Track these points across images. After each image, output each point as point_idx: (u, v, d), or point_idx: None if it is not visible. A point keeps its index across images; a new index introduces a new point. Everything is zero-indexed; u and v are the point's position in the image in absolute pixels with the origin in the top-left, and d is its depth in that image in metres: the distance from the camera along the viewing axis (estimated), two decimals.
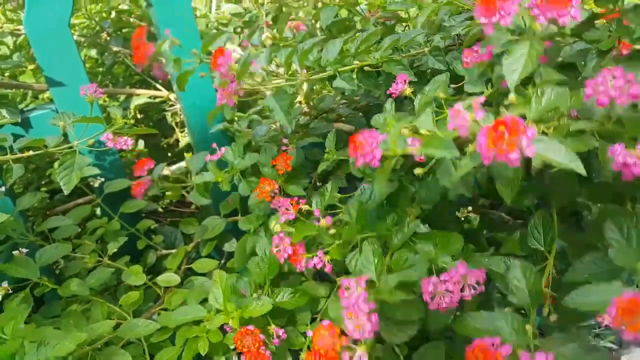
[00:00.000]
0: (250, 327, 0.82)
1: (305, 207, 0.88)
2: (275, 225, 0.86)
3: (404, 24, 1.13)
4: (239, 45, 1.47)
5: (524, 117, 0.61)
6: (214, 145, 1.19)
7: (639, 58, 0.81)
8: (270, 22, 1.53)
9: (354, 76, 0.93)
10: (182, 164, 1.46)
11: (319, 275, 1.05)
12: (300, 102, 1.39)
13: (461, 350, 0.92)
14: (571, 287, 0.71)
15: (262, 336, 0.82)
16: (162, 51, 1.02)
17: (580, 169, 0.54)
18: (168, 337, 0.93)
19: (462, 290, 0.72)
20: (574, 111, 0.65)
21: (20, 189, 1.44)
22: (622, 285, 0.61)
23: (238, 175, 1.15)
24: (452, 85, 0.84)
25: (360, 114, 1.30)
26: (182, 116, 1.50)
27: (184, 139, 1.59)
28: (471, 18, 0.87)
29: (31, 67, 1.62)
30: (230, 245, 1.26)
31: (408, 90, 0.84)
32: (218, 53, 0.89)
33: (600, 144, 0.60)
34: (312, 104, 1.25)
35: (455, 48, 0.92)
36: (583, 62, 0.89)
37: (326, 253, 0.82)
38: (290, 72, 0.95)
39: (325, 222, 0.81)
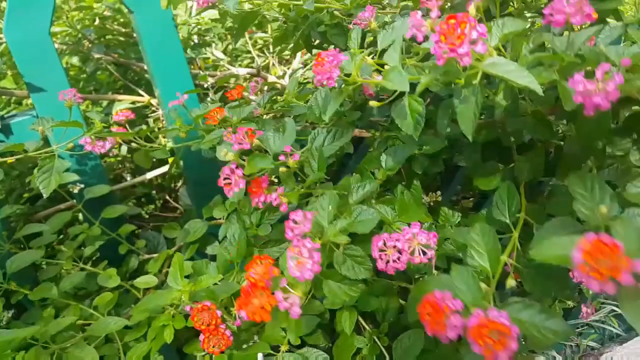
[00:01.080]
0: (207, 303, 0.81)
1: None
2: (226, 153, 0.79)
3: None
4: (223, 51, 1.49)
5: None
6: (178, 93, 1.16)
7: None
8: (252, 30, 1.54)
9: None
10: (164, 168, 1.46)
11: None
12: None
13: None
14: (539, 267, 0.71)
15: (219, 312, 0.81)
16: None
17: (537, 88, 0.54)
18: (142, 335, 0.93)
19: (412, 253, 0.71)
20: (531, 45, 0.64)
21: (3, 195, 1.44)
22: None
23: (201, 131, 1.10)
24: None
25: None
26: (164, 122, 1.50)
27: (168, 144, 1.59)
28: None
29: (11, 73, 1.62)
30: (212, 248, 1.25)
31: (374, 24, 0.84)
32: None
33: (560, 77, 0.60)
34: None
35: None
36: None
37: (284, 196, 0.79)
38: None
39: (293, 160, 0.78)
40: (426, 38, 0.59)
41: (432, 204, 1.03)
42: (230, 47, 1.82)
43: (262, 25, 1.76)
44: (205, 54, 1.68)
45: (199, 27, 1.79)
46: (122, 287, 1.11)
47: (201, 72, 1.69)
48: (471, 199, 1.62)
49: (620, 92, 0.53)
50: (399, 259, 0.70)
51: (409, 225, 0.74)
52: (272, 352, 0.92)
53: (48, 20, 1.21)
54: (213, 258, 1.24)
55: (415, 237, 0.70)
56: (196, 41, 1.84)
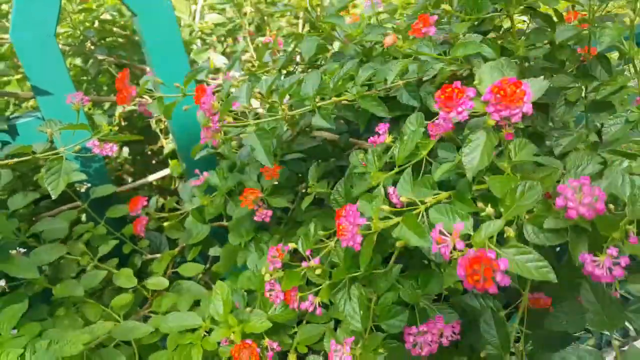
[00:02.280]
0: (248, 342, 0.87)
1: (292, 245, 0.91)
2: (265, 274, 0.89)
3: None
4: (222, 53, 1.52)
5: (499, 215, 0.65)
6: (197, 171, 1.25)
7: (602, 107, 0.89)
8: (253, 32, 1.57)
9: (335, 110, 0.97)
10: (166, 171, 1.49)
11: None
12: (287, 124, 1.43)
13: None
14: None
15: (258, 350, 0.87)
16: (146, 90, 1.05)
17: (551, 277, 0.58)
18: (158, 340, 0.97)
19: (440, 337, 0.80)
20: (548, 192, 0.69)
21: (5, 196, 1.46)
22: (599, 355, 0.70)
23: (225, 195, 1.20)
24: (427, 122, 0.87)
25: (342, 120, 1.34)
26: (166, 122, 1.53)
27: (168, 145, 1.62)
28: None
29: (17, 76, 1.63)
30: (214, 250, 1.29)
31: (389, 139, 0.89)
32: (200, 91, 0.92)
33: (571, 237, 0.64)
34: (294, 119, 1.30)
35: (428, 82, 0.95)
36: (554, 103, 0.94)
37: (316, 294, 0.86)
38: (270, 105, 1.00)
39: (314, 263, 0.86)
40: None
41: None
42: (228, 49, 1.84)
43: (261, 29, 1.79)
44: (208, 57, 1.70)
45: (203, 31, 1.80)
46: (131, 287, 1.14)
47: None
48: None
49: None
50: (429, 349, 0.79)
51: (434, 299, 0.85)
52: None
53: (54, 22, 1.23)
54: (215, 259, 1.29)
55: (442, 331, 0.80)
56: (199, 44, 1.86)
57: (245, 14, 1.62)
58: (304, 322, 0.99)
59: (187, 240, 1.28)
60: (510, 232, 0.66)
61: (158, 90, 1.08)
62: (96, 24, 1.71)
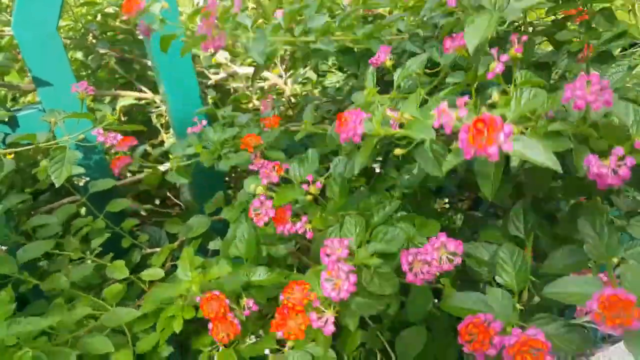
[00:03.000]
0: (216, 292, 0.84)
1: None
2: (257, 187, 0.86)
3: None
4: None
5: (504, 117, 0.64)
6: (195, 119, 1.20)
7: (603, 59, 0.87)
8: None
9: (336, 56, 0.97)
10: (167, 165, 1.47)
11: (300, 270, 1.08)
12: (286, 98, 1.41)
13: (440, 337, 0.95)
14: (547, 276, 0.76)
15: (227, 301, 0.84)
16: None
17: (557, 167, 0.57)
18: (151, 326, 0.94)
19: (440, 261, 0.74)
20: (551, 112, 0.68)
21: (4, 190, 1.44)
22: (598, 280, 0.66)
23: (218, 149, 1.16)
24: (428, 70, 0.87)
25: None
26: (167, 117, 1.51)
27: (169, 139, 1.60)
28: (450, 13, 0.90)
29: (17, 68, 1.62)
30: (215, 244, 1.26)
31: (389, 62, 0.87)
32: None
33: (575, 145, 0.64)
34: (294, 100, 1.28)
35: (433, 38, 0.96)
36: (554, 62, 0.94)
37: (309, 222, 0.84)
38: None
39: (315, 187, 0.83)
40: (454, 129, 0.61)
41: (440, 209, 1.05)
42: (229, 42, 1.82)
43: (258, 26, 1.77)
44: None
45: None
46: (128, 280, 1.12)
47: (204, 70, 1.71)
48: (465, 201, 1.65)
49: None
50: (428, 270, 0.74)
51: (428, 238, 0.78)
52: (278, 347, 0.94)
53: (56, 15, 1.22)
54: (215, 253, 1.26)
55: (444, 246, 0.74)
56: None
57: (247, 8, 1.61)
58: None
59: (187, 234, 1.25)
60: (517, 129, 0.64)
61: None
62: (98, 17, 1.70)
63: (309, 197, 0.85)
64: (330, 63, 1.78)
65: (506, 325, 0.67)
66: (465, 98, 0.62)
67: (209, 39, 0.93)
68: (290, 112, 1.34)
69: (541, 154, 0.58)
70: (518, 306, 0.70)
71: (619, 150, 0.59)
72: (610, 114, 0.65)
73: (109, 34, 1.75)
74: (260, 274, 0.95)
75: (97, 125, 1.15)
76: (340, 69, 1.80)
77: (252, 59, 1.39)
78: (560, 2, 0.89)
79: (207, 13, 0.92)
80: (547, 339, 0.63)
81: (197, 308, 0.91)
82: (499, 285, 0.75)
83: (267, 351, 0.91)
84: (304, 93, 1.68)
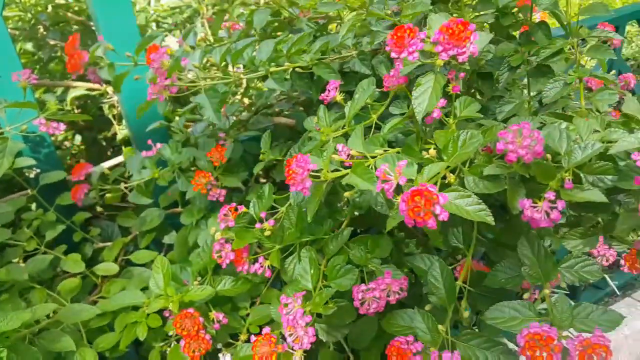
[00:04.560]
0: (190, 310, 0.85)
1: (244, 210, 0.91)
2: (215, 232, 0.88)
3: (336, 22, 1.18)
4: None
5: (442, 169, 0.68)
6: (150, 142, 1.21)
7: (543, 72, 0.92)
8: (212, 18, 1.55)
9: (288, 77, 0.98)
10: (120, 158, 1.46)
11: None
12: (240, 99, 1.42)
13: None
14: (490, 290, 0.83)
15: (201, 319, 0.86)
16: (97, 57, 1.03)
17: (489, 219, 0.62)
18: (106, 324, 0.95)
19: (388, 295, 0.81)
20: (489, 144, 0.72)
21: None
22: (532, 307, 0.72)
23: (177, 170, 1.17)
24: (378, 90, 0.89)
25: (301, 108, 1.34)
26: (119, 108, 1.50)
27: (122, 131, 1.59)
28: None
29: None
30: (169, 238, 1.27)
31: (339, 97, 0.89)
32: (151, 49, 0.92)
33: (509, 186, 0.67)
34: (251, 100, 1.29)
35: (380, 52, 0.97)
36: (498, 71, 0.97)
37: (266, 259, 0.87)
38: (223, 70, 0.99)
39: (268, 224, 0.86)
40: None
41: None
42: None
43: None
44: (164, 41, 1.67)
45: (157, 14, 1.77)
46: (80, 274, 1.12)
47: None
48: None
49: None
50: (377, 305, 0.80)
51: (382, 261, 0.86)
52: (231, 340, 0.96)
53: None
54: (170, 247, 1.27)
55: (389, 286, 0.80)
56: (154, 29, 1.83)
57: None
58: (257, 303, 0.98)
59: (140, 228, 1.25)
60: (452, 177, 0.68)
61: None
62: (49, 8, 1.66)
63: (267, 233, 0.88)
64: None
65: (430, 346, 0.72)
66: (404, 163, 0.64)
67: (162, 97, 0.94)
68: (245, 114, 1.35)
69: (473, 206, 0.63)
70: (442, 327, 0.74)
71: (550, 195, 0.63)
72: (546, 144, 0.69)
73: (60, 24, 1.71)
74: (225, 284, 0.96)
75: (41, 113, 1.13)
76: None
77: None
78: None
79: (154, 78, 0.92)
80: (471, 353, 0.70)
81: (163, 319, 0.93)
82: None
83: (219, 345, 0.93)
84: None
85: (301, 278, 0.83)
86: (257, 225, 0.86)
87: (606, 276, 1.55)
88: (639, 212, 0.63)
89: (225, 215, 0.89)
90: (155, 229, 1.26)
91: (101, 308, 0.93)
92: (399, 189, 0.62)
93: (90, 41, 1.67)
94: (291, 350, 0.76)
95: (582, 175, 0.65)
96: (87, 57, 0.99)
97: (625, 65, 1.67)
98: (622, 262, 0.92)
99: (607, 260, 0.91)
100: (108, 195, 1.31)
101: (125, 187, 1.29)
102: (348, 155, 0.76)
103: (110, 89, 1.54)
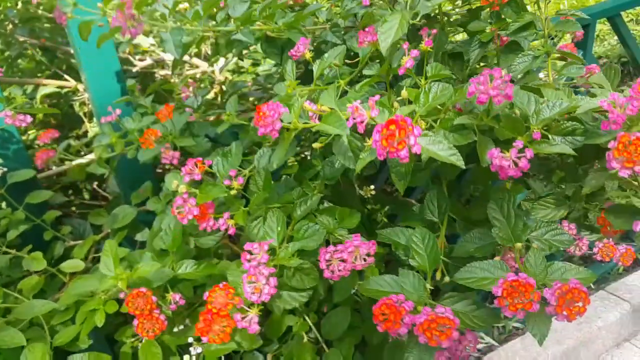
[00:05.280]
0: (142, 289, 0.82)
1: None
2: (179, 185, 0.84)
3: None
4: None
5: (413, 114, 0.67)
6: (110, 108, 1.17)
7: (512, 49, 0.91)
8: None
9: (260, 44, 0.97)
10: (91, 156, 1.43)
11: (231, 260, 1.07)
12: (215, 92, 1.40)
13: (368, 318, 0.98)
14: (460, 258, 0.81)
15: (154, 298, 0.82)
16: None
17: (459, 162, 0.62)
18: (70, 319, 0.92)
19: (354, 260, 0.79)
20: (458, 105, 0.72)
21: None
22: (503, 265, 0.71)
23: (137, 142, 1.14)
24: (348, 61, 0.89)
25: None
26: (90, 106, 1.47)
27: (92, 129, 1.56)
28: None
29: None
30: (142, 235, 1.24)
31: (308, 55, 0.88)
32: None
33: (479, 138, 0.67)
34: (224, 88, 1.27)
35: (353, 29, 0.97)
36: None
37: (232, 217, 0.84)
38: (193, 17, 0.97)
39: (238, 183, 0.84)
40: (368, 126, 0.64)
41: (367, 196, 1.07)
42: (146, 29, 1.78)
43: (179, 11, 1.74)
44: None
45: None
46: (48, 272, 1.09)
47: (130, 57, 1.66)
48: None
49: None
50: (344, 267, 0.78)
51: (350, 231, 0.85)
52: None
53: None
54: (143, 245, 1.24)
55: (358, 249, 0.78)
56: None
57: None
58: None
59: (112, 225, 1.22)
60: (422, 124, 0.68)
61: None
62: (19, 5, 1.62)
63: (233, 192, 0.85)
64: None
65: (417, 305, 0.70)
66: (377, 97, 0.65)
67: (125, 30, 0.91)
68: (219, 100, 1.32)
69: (445, 151, 0.62)
70: (428, 286, 0.73)
71: (519, 143, 0.63)
72: (515, 105, 0.69)
73: (31, 19, 1.67)
74: (187, 267, 0.94)
75: (7, 106, 1.10)
76: None
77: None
78: None
79: (122, 5, 0.90)
80: (456, 316, 0.67)
81: (120, 301, 0.89)
82: (412, 267, 0.78)
83: (190, 339, 0.90)
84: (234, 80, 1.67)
85: (267, 236, 0.81)
86: (226, 182, 0.84)
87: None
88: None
89: (190, 169, 0.86)
90: (127, 226, 1.22)
91: (61, 301, 0.90)
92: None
93: (61, 39, 1.65)
94: (247, 309, 0.74)
95: (550, 137, 0.65)
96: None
97: (597, 62, 1.66)
98: (594, 250, 0.91)
99: (580, 250, 0.90)
100: (73, 165, 1.26)
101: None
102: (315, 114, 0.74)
103: (81, 87, 1.52)
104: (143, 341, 0.90)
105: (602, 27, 3.16)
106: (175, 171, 0.97)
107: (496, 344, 1.45)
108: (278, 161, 0.76)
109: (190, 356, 0.88)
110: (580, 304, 0.61)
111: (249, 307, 0.75)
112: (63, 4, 0.97)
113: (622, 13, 1.70)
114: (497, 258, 0.75)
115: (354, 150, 0.75)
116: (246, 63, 1.83)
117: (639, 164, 0.56)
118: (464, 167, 0.61)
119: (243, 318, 0.74)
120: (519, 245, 0.73)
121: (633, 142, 0.56)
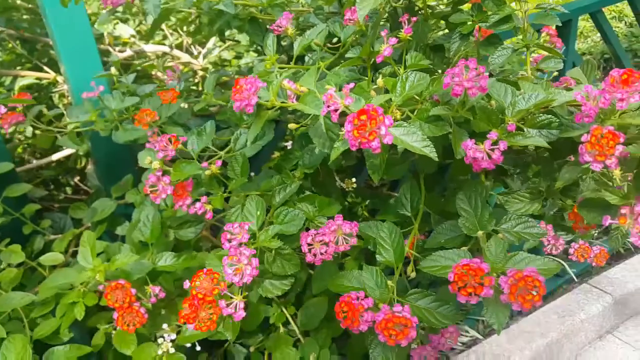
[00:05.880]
0: (121, 281, 0.82)
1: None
2: (152, 162, 0.83)
3: None
4: None
5: (387, 105, 0.67)
6: (93, 83, 1.12)
7: (492, 42, 0.91)
8: None
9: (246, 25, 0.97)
10: (71, 150, 1.42)
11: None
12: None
13: None
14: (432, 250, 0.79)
15: (133, 290, 0.82)
16: None
17: (432, 154, 0.62)
18: (49, 312, 0.91)
19: (337, 242, 0.78)
20: (435, 96, 0.72)
21: None
22: (465, 252, 0.72)
23: (116, 122, 1.11)
24: (330, 45, 0.88)
25: None
26: (69, 97, 1.45)
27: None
28: None
29: None
30: (123, 229, 1.23)
31: (290, 30, 0.87)
32: None
33: (454, 129, 0.68)
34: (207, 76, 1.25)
35: (337, 15, 0.98)
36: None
37: (209, 202, 0.83)
38: None
39: (215, 166, 0.83)
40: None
41: (348, 188, 1.07)
42: (143, 26, 1.78)
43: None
44: (114, 29, 1.63)
45: None
46: (27, 266, 1.08)
47: (110, 48, 1.65)
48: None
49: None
50: (326, 251, 0.78)
51: (329, 218, 0.83)
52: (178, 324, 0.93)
53: None
54: (123, 239, 1.23)
55: (340, 228, 0.78)
56: (105, 13, 1.78)
57: None
58: None
59: (92, 218, 1.21)
60: (398, 114, 0.68)
61: None
62: None
63: (208, 173, 0.84)
64: (245, 42, 1.77)
65: (378, 302, 0.71)
66: (352, 85, 0.65)
67: None
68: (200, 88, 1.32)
69: (419, 142, 0.62)
70: (390, 283, 0.73)
71: (493, 134, 0.63)
72: (491, 96, 0.69)
73: (9, 10, 1.64)
74: (166, 259, 0.93)
75: None
76: (256, 51, 1.79)
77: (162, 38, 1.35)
78: None
79: None
80: (420, 313, 0.69)
81: (100, 293, 0.89)
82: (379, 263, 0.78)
83: (165, 325, 0.90)
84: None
85: (246, 219, 0.81)
86: (204, 164, 0.83)
87: (564, 263, 1.56)
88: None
89: (164, 145, 0.84)
90: (107, 219, 1.21)
91: (40, 294, 0.89)
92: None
93: (39, 29, 1.63)
94: (231, 295, 0.73)
95: (525, 129, 0.65)
96: None
97: (580, 57, 1.67)
98: (570, 251, 0.93)
99: (556, 250, 0.91)
100: (39, 134, 1.22)
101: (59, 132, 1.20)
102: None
103: (60, 79, 1.50)
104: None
105: (586, 24, 3.19)
106: (149, 148, 0.95)
107: (481, 337, 1.47)
108: (253, 136, 0.75)
109: (164, 341, 0.87)
110: (534, 292, 0.61)
111: (232, 294, 0.74)
112: None
113: (605, 10, 1.71)
114: (464, 248, 0.76)
115: (330, 135, 0.74)
116: (229, 55, 1.83)
117: (611, 158, 0.57)
118: (437, 159, 0.61)
119: (228, 305, 0.73)
120: (480, 233, 0.74)
121: (605, 136, 0.57)
